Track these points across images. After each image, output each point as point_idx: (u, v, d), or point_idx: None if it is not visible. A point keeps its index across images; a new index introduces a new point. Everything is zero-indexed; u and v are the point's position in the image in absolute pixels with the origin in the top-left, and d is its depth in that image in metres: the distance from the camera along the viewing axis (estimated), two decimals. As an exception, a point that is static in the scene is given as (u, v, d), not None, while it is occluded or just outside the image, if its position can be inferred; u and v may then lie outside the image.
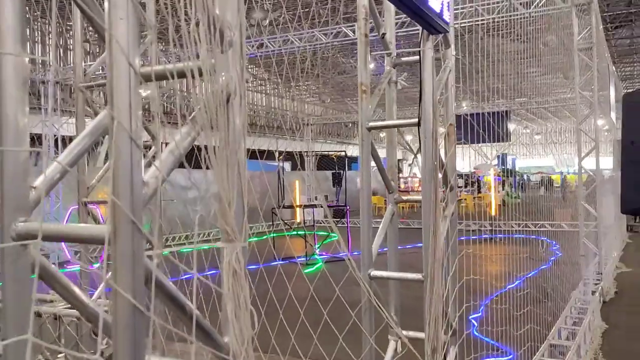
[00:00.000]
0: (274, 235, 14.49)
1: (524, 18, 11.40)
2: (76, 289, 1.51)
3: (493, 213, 17.69)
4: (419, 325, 3.21)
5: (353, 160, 30.50)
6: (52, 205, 12.14)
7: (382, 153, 3.69)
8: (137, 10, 1.27)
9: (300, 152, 26.48)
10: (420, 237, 3.11)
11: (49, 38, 20.67)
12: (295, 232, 15.76)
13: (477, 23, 12.25)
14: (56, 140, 12.78)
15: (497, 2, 13.35)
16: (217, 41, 1.39)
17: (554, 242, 14.26)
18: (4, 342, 1.32)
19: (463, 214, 14.12)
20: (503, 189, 23.84)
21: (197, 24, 1.32)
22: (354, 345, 3.23)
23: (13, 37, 1.37)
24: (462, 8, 13.40)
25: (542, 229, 17.10)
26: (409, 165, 40.73)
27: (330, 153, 29.13)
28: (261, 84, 31.02)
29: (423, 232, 3.10)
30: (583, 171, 9.91)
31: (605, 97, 12.37)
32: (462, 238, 4.47)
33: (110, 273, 1.24)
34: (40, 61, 14.69)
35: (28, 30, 17.78)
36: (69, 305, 4.09)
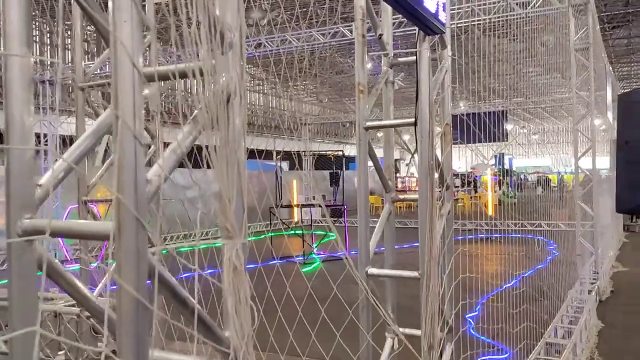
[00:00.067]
0: (272, 234, 14.51)
1: (520, 18, 11.43)
2: (81, 286, 1.54)
3: (490, 213, 17.72)
4: (416, 322, 3.25)
5: (350, 159, 30.51)
6: (51, 204, 12.11)
7: (379, 153, 3.73)
8: (139, 12, 1.30)
9: (298, 151, 26.45)
10: (417, 237, 3.15)
11: (47, 37, 20.65)
12: (293, 232, 15.78)
13: (473, 23, 12.28)
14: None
15: (494, 3, 13.37)
16: (218, 42, 1.42)
17: (551, 242, 14.30)
18: (10, 335, 1.35)
19: (459, 213, 14.16)
20: (500, 189, 23.87)
21: (198, 26, 1.35)
22: (351, 343, 3.26)
23: (19, 39, 1.40)
24: (458, 8, 13.42)
25: (538, 229, 17.13)
26: (407, 164, 40.76)
27: (327, 153, 29.19)
28: (259, 84, 31.03)
29: (419, 230, 3.14)
30: (580, 171, 9.95)
31: (602, 97, 12.43)
32: (459, 237, 4.50)
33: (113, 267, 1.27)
34: (38, 61, 14.67)
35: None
36: (69, 303, 4.12)
